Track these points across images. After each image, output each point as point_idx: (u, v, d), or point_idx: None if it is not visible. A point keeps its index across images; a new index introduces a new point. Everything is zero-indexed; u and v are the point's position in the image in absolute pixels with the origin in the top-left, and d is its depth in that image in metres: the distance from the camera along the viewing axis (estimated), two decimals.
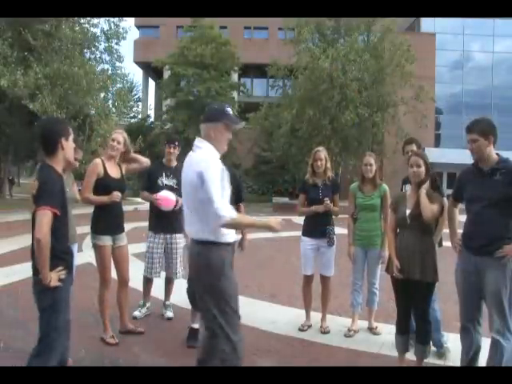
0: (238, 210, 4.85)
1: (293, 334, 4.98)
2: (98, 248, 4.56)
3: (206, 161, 2.97)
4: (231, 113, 3.18)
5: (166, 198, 5.07)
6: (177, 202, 5.02)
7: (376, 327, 5.07)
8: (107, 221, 4.57)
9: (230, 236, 3.12)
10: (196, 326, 4.67)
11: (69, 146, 3.14)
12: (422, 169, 3.85)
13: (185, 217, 3.20)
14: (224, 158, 3.25)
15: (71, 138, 3.16)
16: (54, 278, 2.95)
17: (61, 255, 3.04)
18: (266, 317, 5.45)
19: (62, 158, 3.12)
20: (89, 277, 6.02)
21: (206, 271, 3.01)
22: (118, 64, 22.10)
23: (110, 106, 22.06)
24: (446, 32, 35.64)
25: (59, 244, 3.02)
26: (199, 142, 3.14)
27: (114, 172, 4.65)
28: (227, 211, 2.92)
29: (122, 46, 25.02)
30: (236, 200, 4.78)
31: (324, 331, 5.03)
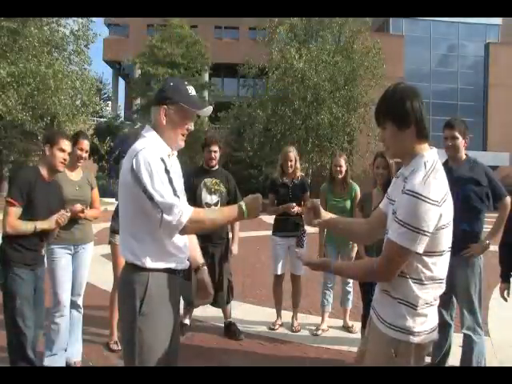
0: None
1: (264, 333, 4.99)
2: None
3: (137, 149, 2.13)
4: (192, 92, 2.30)
5: None
6: None
7: (352, 326, 5.10)
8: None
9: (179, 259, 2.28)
10: (186, 321, 4.92)
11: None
12: (387, 171, 3.99)
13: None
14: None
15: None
16: None
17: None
18: (237, 316, 5.43)
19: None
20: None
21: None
22: (86, 66, 21.70)
23: (80, 105, 21.55)
24: (414, 33, 36.41)
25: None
26: (145, 131, 2.29)
27: None
28: (179, 209, 2.07)
29: (90, 48, 24.49)
30: (234, 202, 4.81)
31: (295, 330, 5.05)
